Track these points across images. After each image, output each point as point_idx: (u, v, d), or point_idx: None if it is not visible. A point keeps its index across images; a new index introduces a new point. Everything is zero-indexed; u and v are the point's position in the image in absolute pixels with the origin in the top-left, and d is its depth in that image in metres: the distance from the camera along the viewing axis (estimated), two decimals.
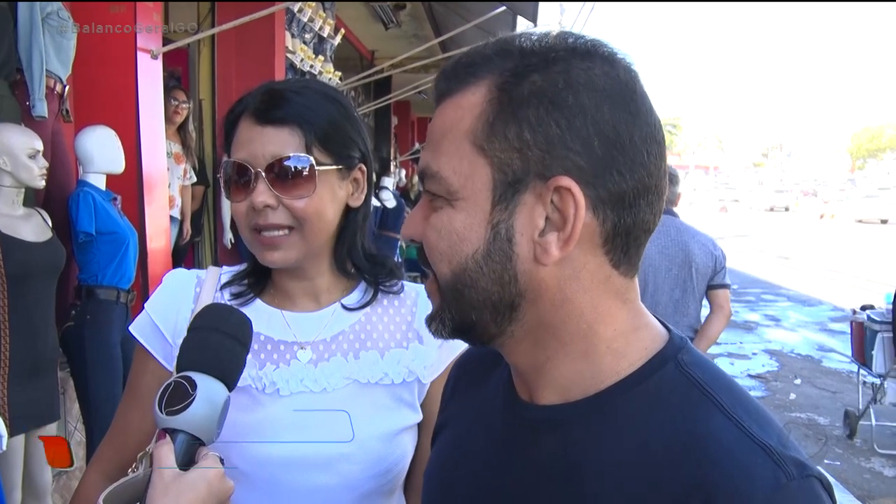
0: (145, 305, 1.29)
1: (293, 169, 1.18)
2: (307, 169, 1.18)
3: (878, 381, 5.72)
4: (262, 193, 1.17)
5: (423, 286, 1.33)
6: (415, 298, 1.33)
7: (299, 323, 1.27)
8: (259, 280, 1.30)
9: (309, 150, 1.19)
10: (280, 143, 1.18)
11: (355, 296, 1.31)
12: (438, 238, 0.77)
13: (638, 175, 0.73)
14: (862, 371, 6.05)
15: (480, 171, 0.74)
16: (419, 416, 1.29)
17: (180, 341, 1.22)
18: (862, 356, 5.97)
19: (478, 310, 0.77)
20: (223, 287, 1.29)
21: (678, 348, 0.77)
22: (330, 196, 1.22)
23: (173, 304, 1.27)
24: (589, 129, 0.71)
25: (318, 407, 1.21)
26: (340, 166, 1.23)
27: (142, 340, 1.27)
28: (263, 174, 1.17)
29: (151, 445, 1.19)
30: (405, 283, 1.36)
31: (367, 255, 1.32)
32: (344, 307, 1.29)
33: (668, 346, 0.78)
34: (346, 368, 1.24)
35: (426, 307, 1.28)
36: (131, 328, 1.29)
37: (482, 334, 0.79)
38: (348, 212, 1.27)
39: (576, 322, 0.76)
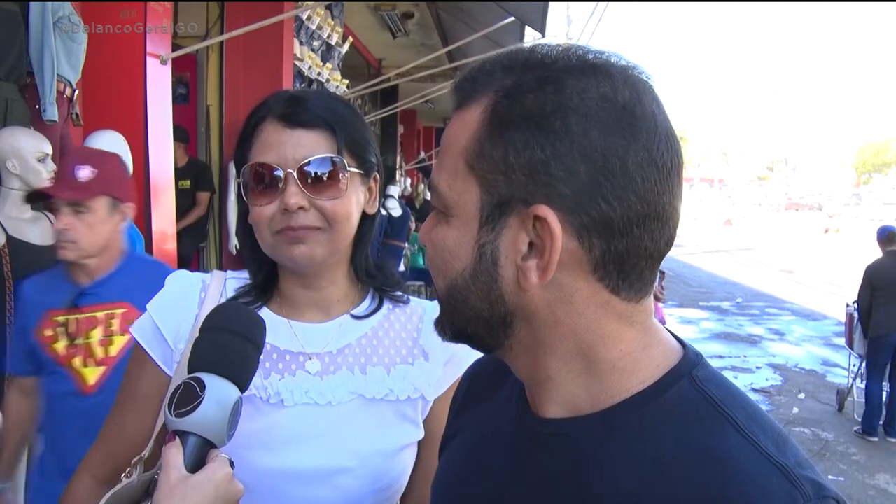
0: (147, 307, 1.27)
1: (325, 170, 1.17)
2: (339, 170, 1.18)
3: (857, 361, 7.08)
4: (295, 195, 1.15)
5: (429, 303, 1.33)
6: (421, 314, 1.32)
7: (306, 333, 1.25)
8: (265, 291, 1.28)
9: (340, 152, 1.18)
10: (311, 144, 1.17)
11: (364, 304, 1.30)
12: (434, 253, 0.79)
13: (628, 202, 0.69)
14: (852, 355, 7.31)
15: (471, 189, 0.74)
16: (421, 433, 1.28)
17: (182, 346, 1.21)
18: (850, 341, 7.21)
19: (472, 323, 0.78)
20: (232, 298, 1.27)
21: (693, 364, 0.77)
22: (356, 199, 1.22)
23: (177, 309, 1.25)
24: (575, 154, 0.69)
25: (322, 419, 1.20)
26: (363, 171, 1.23)
27: (142, 342, 1.25)
28: (295, 175, 1.16)
29: (146, 451, 1.18)
30: (412, 297, 1.35)
31: (375, 264, 1.32)
32: (353, 317, 1.28)
33: (682, 362, 0.77)
34: (353, 382, 1.23)
35: (432, 324, 1.28)
36: (132, 329, 1.27)
37: (481, 344, 0.81)
38: (363, 220, 1.26)
39: (573, 342, 0.75)
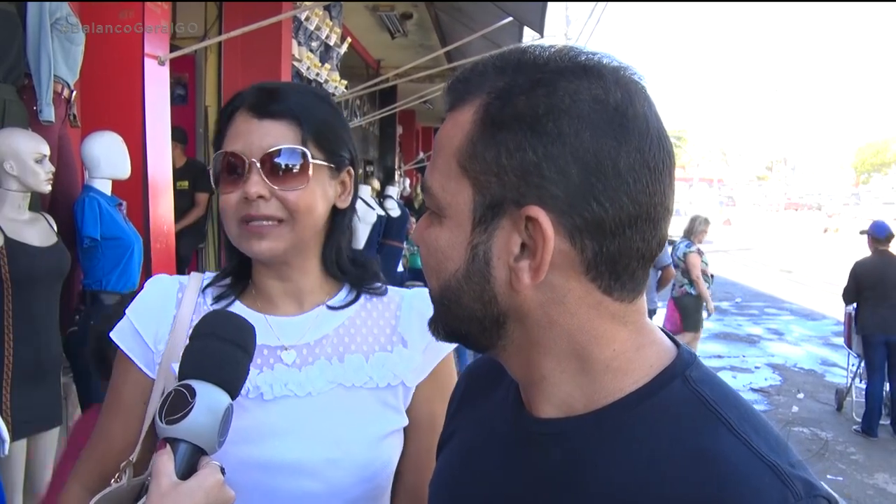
0: (126, 311, 1.27)
1: (288, 160, 1.18)
2: (302, 161, 1.19)
3: (856, 360, 7.10)
4: (256, 184, 1.17)
5: (407, 291, 1.34)
6: (398, 302, 1.32)
7: (282, 326, 1.25)
8: (238, 280, 1.29)
9: (304, 144, 1.19)
10: (277, 135, 1.18)
11: (341, 296, 1.30)
12: (428, 253, 0.79)
13: (620, 204, 0.70)
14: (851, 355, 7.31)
15: (464, 190, 0.74)
16: (404, 421, 1.28)
17: (162, 347, 1.22)
18: (849, 340, 7.23)
19: (465, 323, 0.78)
20: (205, 289, 1.28)
21: (686, 364, 0.77)
22: (321, 192, 1.22)
23: (155, 310, 1.25)
24: (567, 156, 0.69)
25: (302, 411, 1.20)
26: (332, 164, 1.24)
27: (122, 347, 1.25)
28: (258, 164, 1.17)
29: (134, 454, 1.17)
30: (389, 287, 1.35)
31: (350, 259, 1.32)
32: (329, 308, 1.28)
33: (675, 362, 0.77)
34: (331, 371, 1.23)
35: (410, 311, 1.30)
36: (112, 334, 1.26)
37: (475, 344, 0.81)
38: (335, 214, 1.27)
39: (566, 342, 0.76)
